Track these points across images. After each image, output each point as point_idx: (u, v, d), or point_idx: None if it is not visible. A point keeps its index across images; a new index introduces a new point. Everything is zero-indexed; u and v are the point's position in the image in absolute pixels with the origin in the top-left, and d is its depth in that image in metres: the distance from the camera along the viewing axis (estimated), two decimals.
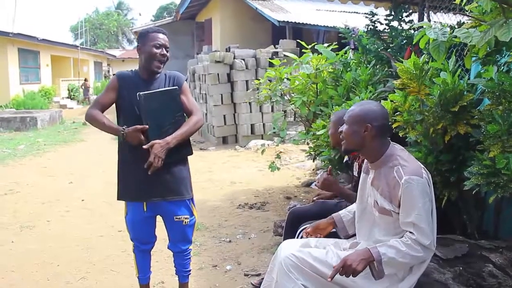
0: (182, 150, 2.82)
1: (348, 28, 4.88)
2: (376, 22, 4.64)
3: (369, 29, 4.65)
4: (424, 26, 2.41)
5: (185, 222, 2.89)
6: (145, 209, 2.83)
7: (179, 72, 2.97)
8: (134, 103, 2.72)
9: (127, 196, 2.88)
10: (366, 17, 4.69)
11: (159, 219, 2.98)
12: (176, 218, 2.86)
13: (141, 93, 2.66)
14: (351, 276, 2.03)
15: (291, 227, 3.12)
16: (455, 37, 2.23)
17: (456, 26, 3.08)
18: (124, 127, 2.66)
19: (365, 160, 2.41)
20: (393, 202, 2.14)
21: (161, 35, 2.76)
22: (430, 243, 2.05)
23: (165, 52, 2.76)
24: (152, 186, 2.77)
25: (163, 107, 2.72)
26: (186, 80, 2.96)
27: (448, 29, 2.37)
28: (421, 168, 2.15)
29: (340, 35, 4.96)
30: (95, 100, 2.87)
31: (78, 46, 27.84)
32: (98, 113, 2.78)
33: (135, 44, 52.67)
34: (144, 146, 2.63)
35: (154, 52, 2.72)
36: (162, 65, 2.79)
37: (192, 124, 2.80)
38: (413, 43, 2.59)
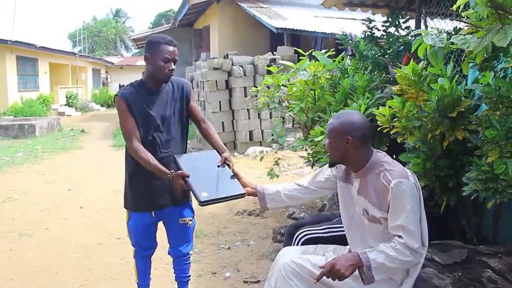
0: None
1: (345, 35, 4.89)
2: (373, 29, 4.66)
3: (366, 35, 4.67)
4: (422, 34, 2.42)
5: (189, 224, 2.94)
6: (153, 215, 2.85)
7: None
8: (145, 121, 2.70)
9: (135, 207, 2.87)
10: (363, 23, 4.71)
11: (159, 224, 2.98)
12: (181, 220, 2.90)
13: (175, 155, 2.70)
14: (337, 280, 2.04)
15: (289, 238, 3.11)
16: (452, 43, 2.25)
17: (453, 32, 3.10)
18: (171, 172, 2.58)
19: (342, 169, 2.41)
20: (383, 208, 2.13)
21: (171, 48, 2.68)
22: (419, 246, 2.06)
23: (173, 67, 2.70)
24: (162, 196, 2.79)
25: (199, 164, 2.72)
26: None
27: (445, 35, 2.38)
28: (406, 171, 2.17)
29: (337, 41, 4.98)
30: (126, 132, 2.69)
31: (76, 54, 27.87)
32: (143, 150, 2.64)
33: (133, 51, 52.03)
34: (219, 164, 2.70)
35: (162, 66, 2.66)
36: (171, 76, 2.75)
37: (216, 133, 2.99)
38: (412, 51, 2.60)
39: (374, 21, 4.70)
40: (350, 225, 2.39)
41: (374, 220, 2.19)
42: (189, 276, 3.12)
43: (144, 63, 2.76)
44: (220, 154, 2.79)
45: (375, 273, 2.04)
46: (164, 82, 2.76)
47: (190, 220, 2.94)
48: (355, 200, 2.32)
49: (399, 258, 2.03)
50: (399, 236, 2.06)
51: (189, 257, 3.07)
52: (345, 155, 2.24)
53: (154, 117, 2.72)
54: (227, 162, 2.72)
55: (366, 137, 2.24)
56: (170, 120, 2.79)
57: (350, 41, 4.78)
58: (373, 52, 4.43)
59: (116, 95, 2.74)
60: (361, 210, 2.27)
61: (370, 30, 4.64)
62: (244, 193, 2.60)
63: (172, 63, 2.70)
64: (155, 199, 2.79)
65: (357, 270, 2.06)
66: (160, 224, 2.98)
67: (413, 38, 4.10)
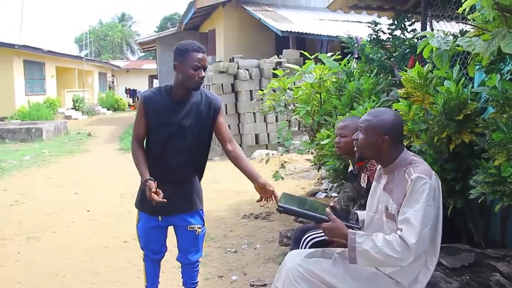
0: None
1: (351, 38, 4.89)
2: (379, 32, 4.65)
3: (372, 38, 4.66)
4: (427, 36, 2.42)
5: (198, 231, 2.90)
6: (160, 218, 2.85)
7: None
8: (162, 126, 2.71)
9: (143, 208, 2.89)
10: (369, 26, 4.71)
11: (170, 229, 2.98)
12: (189, 227, 2.87)
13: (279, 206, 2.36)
14: None
15: (296, 242, 3.11)
16: (458, 45, 2.24)
17: (459, 35, 3.09)
18: (147, 178, 2.61)
19: (378, 169, 2.41)
20: (399, 203, 2.12)
21: (200, 55, 2.63)
22: (415, 243, 1.96)
23: (203, 74, 2.66)
24: (169, 203, 2.76)
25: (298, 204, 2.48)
26: None
27: (451, 37, 2.38)
28: (432, 172, 2.13)
29: (343, 44, 4.98)
30: (133, 133, 2.81)
31: (82, 57, 27.95)
32: (138, 151, 2.76)
33: (139, 55, 51.98)
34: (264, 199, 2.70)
35: (192, 74, 2.62)
36: (201, 84, 2.73)
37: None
38: (417, 52, 2.60)
39: (380, 24, 4.70)
40: (370, 223, 2.38)
41: (390, 217, 2.19)
42: (197, 282, 3.11)
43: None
44: (254, 181, 2.76)
45: (358, 257, 2.04)
46: (194, 90, 2.72)
47: (199, 228, 2.91)
48: (379, 197, 2.32)
49: (386, 252, 1.98)
50: (400, 230, 2.02)
51: (198, 264, 3.06)
52: (378, 153, 2.24)
53: (172, 125, 2.71)
54: (271, 190, 2.71)
55: (400, 137, 2.26)
56: (188, 131, 2.74)
57: (356, 44, 4.77)
58: (379, 55, 4.43)
59: (141, 95, 2.78)
60: (383, 206, 2.26)
61: (376, 33, 4.64)
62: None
63: (202, 70, 2.65)
64: (162, 206, 2.78)
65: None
66: (170, 229, 2.98)
67: (419, 40, 4.09)
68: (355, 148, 2.37)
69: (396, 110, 2.96)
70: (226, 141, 2.86)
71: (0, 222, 5.63)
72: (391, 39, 4.60)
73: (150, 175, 2.71)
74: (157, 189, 2.58)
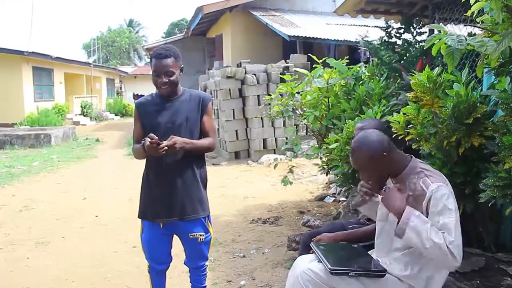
0: (198, 168, 2.88)
1: (360, 40, 4.88)
2: (390, 33, 4.64)
3: (383, 41, 4.64)
4: (440, 32, 2.40)
5: (200, 239, 2.89)
6: (161, 226, 2.85)
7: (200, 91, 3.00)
8: (156, 125, 2.78)
9: (145, 216, 2.90)
10: (382, 29, 4.70)
11: (175, 237, 2.98)
12: (191, 235, 2.86)
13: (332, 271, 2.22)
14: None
15: (304, 247, 3.10)
16: (469, 45, 2.23)
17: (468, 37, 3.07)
18: (144, 139, 2.64)
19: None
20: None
21: (158, 62, 2.68)
22: (456, 246, 2.02)
23: (165, 80, 2.69)
24: (169, 208, 2.80)
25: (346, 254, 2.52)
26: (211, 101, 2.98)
27: (463, 37, 2.36)
28: (444, 177, 2.20)
29: (356, 46, 4.96)
30: (133, 135, 2.97)
31: (90, 64, 28.11)
32: (135, 145, 2.89)
33: (146, 60, 52.55)
34: (165, 142, 2.58)
35: (155, 80, 2.74)
36: (170, 88, 2.75)
37: (207, 144, 2.86)
38: (425, 48, 2.58)
39: (391, 27, 4.69)
40: (381, 231, 2.39)
41: None
42: (205, 286, 3.10)
43: None
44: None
45: (408, 231, 2.06)
46: (163, 96, 2.82)
47: (201, 235, 2.89)
48: None
49: (432, 239, 2.00)
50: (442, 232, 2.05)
51: (205, 268, 3.06)
52: (385, 170, 2.29)
53: (163, 124, 2.79)
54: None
55: (392, 144, 2.29)
56: (180, 129, 2.79)
57: (370, 46, 4.73)
58: (390, 58, 4.41)
59: (135, 101, 2.88)
60: (393, 216, 2.26)
61: (388, 35, 4.62)
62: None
63: (163, 76, 2.70)
64: (161, 209, 2.80)
65: None
66: (176, 237, 2.97)
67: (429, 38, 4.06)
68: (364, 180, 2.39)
69: (405, 114, 2.96)
70: (204, 135, 2.90)
71: (9, 227, 5.67)
72: (400, 43, 4.58)
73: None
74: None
